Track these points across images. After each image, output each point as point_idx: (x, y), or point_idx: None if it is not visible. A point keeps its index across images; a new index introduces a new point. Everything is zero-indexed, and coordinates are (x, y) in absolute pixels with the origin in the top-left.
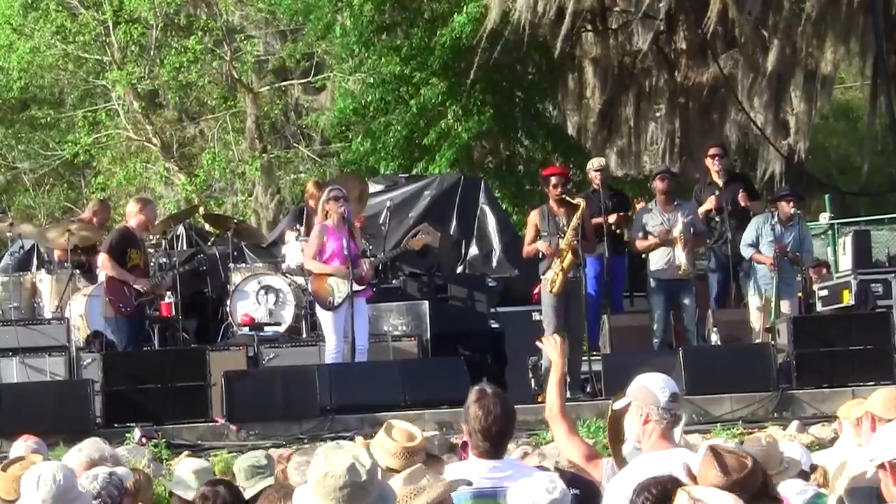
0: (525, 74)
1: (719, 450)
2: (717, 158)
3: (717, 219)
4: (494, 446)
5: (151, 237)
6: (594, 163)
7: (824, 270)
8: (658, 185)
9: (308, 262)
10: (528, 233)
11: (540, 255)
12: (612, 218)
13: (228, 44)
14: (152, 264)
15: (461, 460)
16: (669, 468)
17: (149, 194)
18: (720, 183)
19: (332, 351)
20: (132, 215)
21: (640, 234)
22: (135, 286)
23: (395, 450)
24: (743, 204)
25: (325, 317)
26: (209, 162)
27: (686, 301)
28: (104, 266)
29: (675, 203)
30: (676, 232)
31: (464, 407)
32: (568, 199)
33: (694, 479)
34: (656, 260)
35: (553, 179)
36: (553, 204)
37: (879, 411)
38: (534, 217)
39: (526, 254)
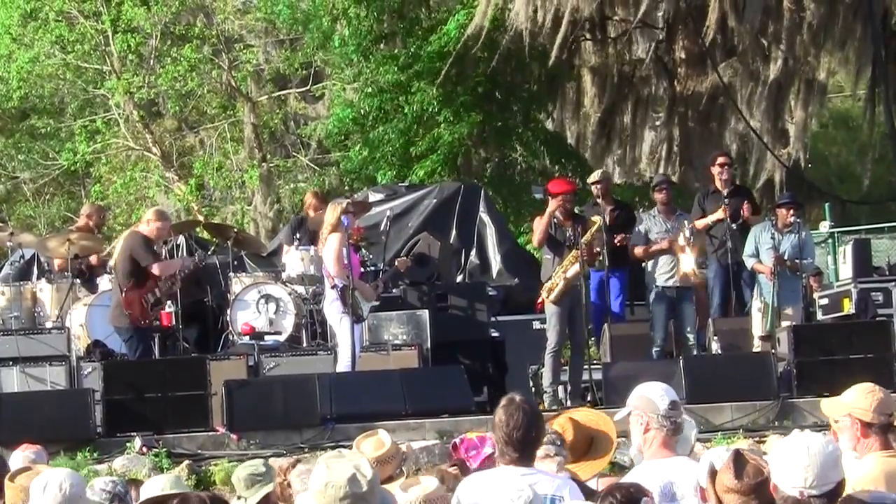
0: (523, 83)
1: (742, 455)
2: (724, 168)
3: (724, 225)
4: (519, 452)
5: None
6: (592, 176)
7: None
8: (658, 196)
9: (342, 273)
10: (538, 226)
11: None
12: (618, 238)
13: (226, 53)
14: None
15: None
16: (670, 476)
17: (148, 203)
18: (725, 193)
19: (347, 360)
20: (148, 224)
21: (643, 241)
22: (183, 268)
23: None
24: (746, 215)
25: (346, 327)
26: (200, 167)
27: (686, 308)
28: (159, 271)
29: (677, 213)
30: (682, 240)
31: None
32: (585, 216)
33: (714, 481)
34: (659, 268)
35: (562, 197)
36: (560, 214)
37: (860, 414)
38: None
39: (538, 240)
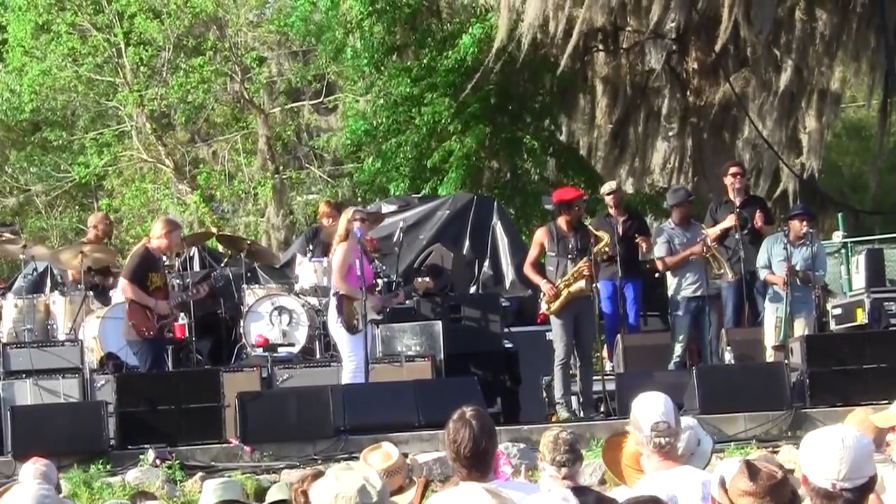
0: (535, 94)
1: (752, 461)
2: (737, 177)
3: (737, 237)
4: (468, 468)
5: (166, 259)
6: (605, 187)
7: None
8: (680, 211)
9: (340, 283)
10: (533, 251)
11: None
12: (640, 240)
13: (238, 64)
14: None
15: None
16: (674, 489)
17: (159, 215)
18: (738, 202)
19: (351, 371)
20: (156, 236)
21: (668, 252)
22: (156, 311)
23: None
24: (759, 225)
25: (345, 338)
26: (205, 180)
27: (707, 319)
28: (126, 292)
29: (691, 223)
30: (703, 247)
31: None
32: (592, 230)
33: (726, 490)
34: (682, 279)
35: (576, 204)
36: (563, 225)
37: None
38: (541, 235)
39: (526, 273)
